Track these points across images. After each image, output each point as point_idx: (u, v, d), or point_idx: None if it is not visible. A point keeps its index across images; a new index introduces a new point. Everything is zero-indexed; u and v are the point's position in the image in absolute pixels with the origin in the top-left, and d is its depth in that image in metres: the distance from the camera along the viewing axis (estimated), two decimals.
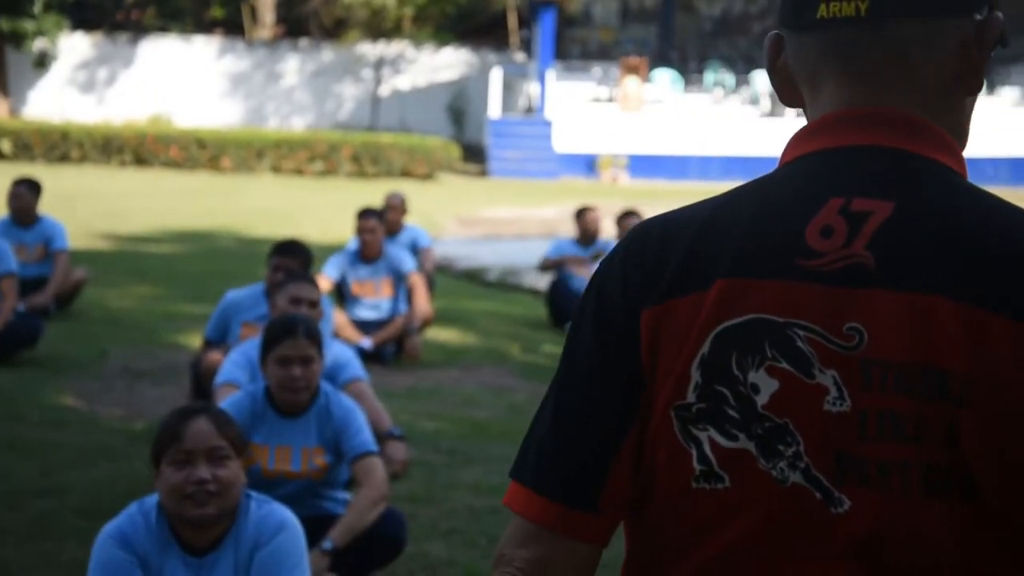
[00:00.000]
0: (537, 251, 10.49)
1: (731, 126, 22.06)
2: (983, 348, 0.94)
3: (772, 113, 22.22)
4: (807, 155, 1.07)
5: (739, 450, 1.01)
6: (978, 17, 1.04)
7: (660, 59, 24.94)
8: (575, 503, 1.05)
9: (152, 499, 2.86)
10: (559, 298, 8.80)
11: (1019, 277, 0.96)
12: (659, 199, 17.34)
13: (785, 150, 1.12)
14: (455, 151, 22.50)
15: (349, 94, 27.61)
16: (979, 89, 1.09)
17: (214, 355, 5.47)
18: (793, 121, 21.67)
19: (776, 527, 1.00)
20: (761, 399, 1.00)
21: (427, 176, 20.98)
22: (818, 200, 1.02)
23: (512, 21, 27.88)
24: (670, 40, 26.31)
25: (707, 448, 1.02)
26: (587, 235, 9.09)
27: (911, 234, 0.99)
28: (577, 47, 27.34)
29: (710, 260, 1.02)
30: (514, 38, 28.08)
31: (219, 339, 5.86)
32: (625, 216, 8.33)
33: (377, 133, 23.23)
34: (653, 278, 1.04)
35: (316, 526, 3.62)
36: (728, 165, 21.74)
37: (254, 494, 2.97)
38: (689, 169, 21.77)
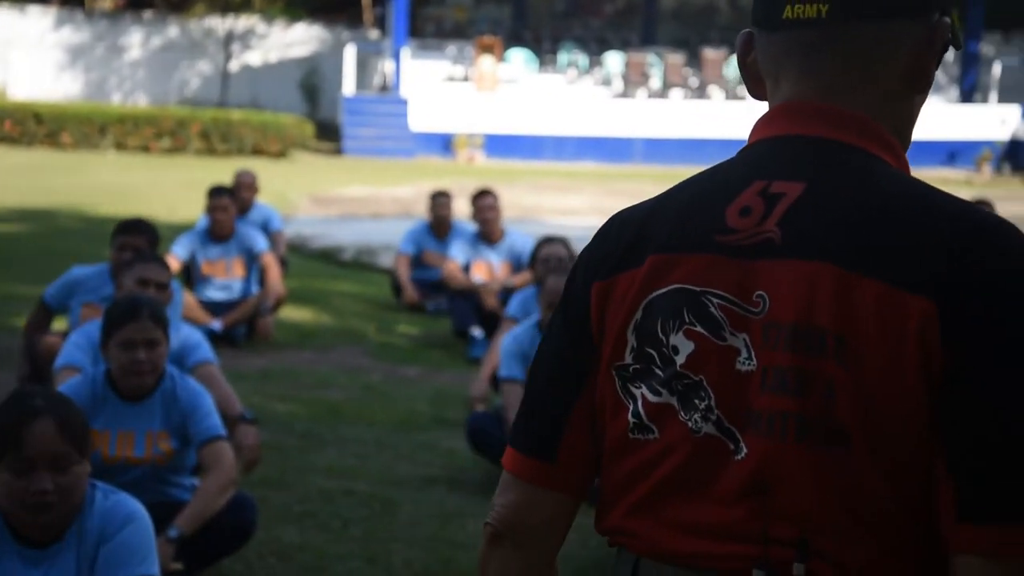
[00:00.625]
0: (393, 231, 10.52)
1: (585, 106, 22.68)
2: (853, 308, 1.04)
3: (624, 94, 23.11)
4: (756, 143, 1.19)
5: (664, 404, 1.13)
6: (930, 21, 1.13)
7: (514, 39, 25.22)
8: (536, 454, 1.21)
9: None
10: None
11: (895, 240, 1.05)
12: (515, 178, 17.84)
13: (754, 129, 1.23)
14: (308, 129, 22.50)
15: (197, 70, 27.13)
16: (928, 88, 1.17)
17: (52, 338, 5.29)
18: (644, 103, 22.60)
19: (691, 472, 1.12)
20: (680, 359, 1.13)
21: (280, 154, 20.83)
22: (744, 183, 1.13)
23: (367, 2, 27.71)
24: (524, 20, 26.68)
25: (639, 403, 1.15)
26: (439, 221, 9.13)
27: (815, 211, 1.08)
28: (432, 25, 27.42)
29: (650, 240, 1.15)
30: (368, 15, 28.00)
31: (56, 307, 5.70)
32: (480, 196, 8.50)
33: (227, 110, 22.88)
34: (606, 257, 1.18)
35: (162, 513, 3.50)
36: (582, 145, 22.51)
37: (100, 484, 2.87)
38: (544, 149, 22.27)
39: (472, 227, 8.75)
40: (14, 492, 2.59)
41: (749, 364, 1.11)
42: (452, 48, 25.35)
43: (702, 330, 1.12)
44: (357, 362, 7.60)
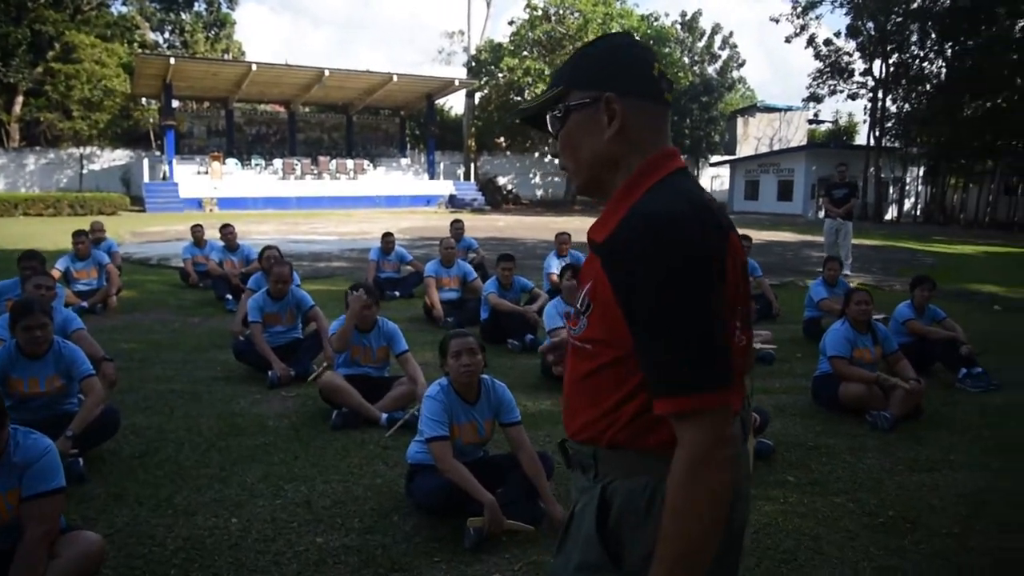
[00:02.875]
0: (179, 248, 10.69)
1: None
2: (743, 251, 1.27)
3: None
4: (682, 168, 1.26)
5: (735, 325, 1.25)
6: None
7: (228, 153, 30.75)
8: (729, 384, 1.11)
9: None
10: None
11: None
12: (238, 219, 17.82)
13: (669, 161, 1.26)
14: (127, 200, 26.56)
15: (67, 172, 30.48)
16: None
17: None
18: None
19: (741, 354, 1.28)
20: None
21: (113, 213, 24.22)
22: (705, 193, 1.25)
23: (152, 137, 33.05)
24: (233, 143, 31.49)
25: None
26: (198, 238, 9.55)
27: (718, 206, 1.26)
28: (187, 147, 31.33)
29: (721, 224, 1.19)
30: (156, 142, 32.59)
31: None
32: (225, 226, 9.03)
33: (86, 192, 26.93)
34: (720, 237, 1.17)
35: (60, 421, 3.68)
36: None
37: (20, 428, 2.60)
38: (258, 204, 27.35)
39: (221, 243, 9.18)
40: None
41: (741, 290, 1.26)
42: (199, 158, 30.18)
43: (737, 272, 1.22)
44: (166, 317, 7.89)
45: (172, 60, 27.13)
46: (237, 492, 3.72)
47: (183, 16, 37.76)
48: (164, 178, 28.71)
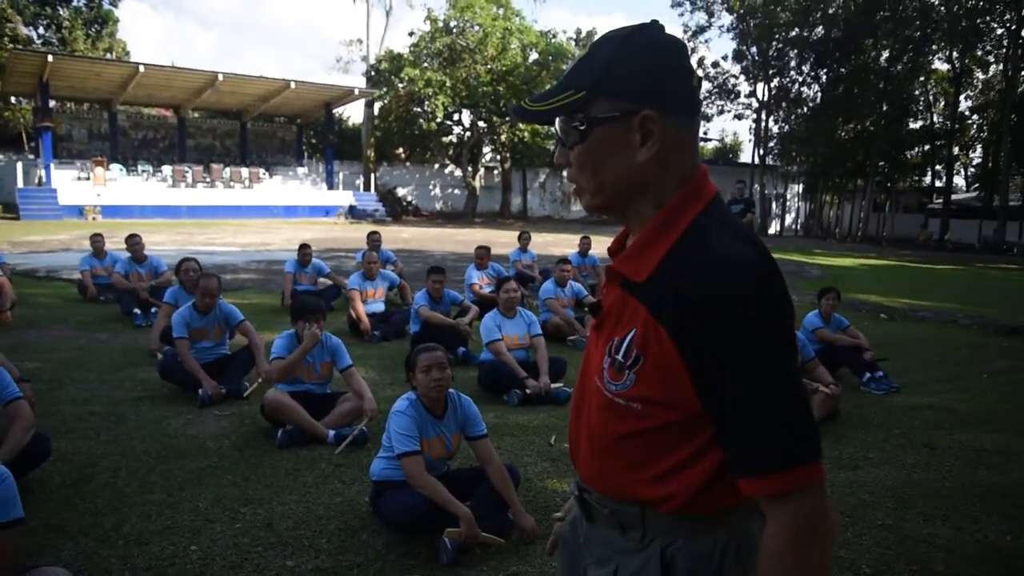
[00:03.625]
0: (72, 258, 10.91)
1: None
2: None
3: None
4: (717, 194, 1.09)
5: None
6: None
7: (112, 159, 29.48)
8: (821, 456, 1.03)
9: None
10: None
11: None
12: (127, 228, 14.65)
13: (706, 184, 1.08)
14: None
15: None
16: None
17: None
18: None
19: None
20: None
21: None
22: None
23: (25, 139, 31.50)
24: (117, 147, 30.49)
25: None
26: (98, 250, 9.01)
27: None
28: (65, 151, 29.94)
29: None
30: (28, 147, 31.41)
31: None
32: (129, 236, 8.51)
33: None
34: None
35: None
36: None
37: None
38: (146, 212, 26.33)
39: (126, 255, 8.67)
40: None
41: None
42: (79, 163, 28.79)
43: None
44: (68, 334, 7.37)
45: (50, 57, 25.80)
46: (190, 518, 3.57)
47: (60, 11, 35.65)
48: (40, 183, 27.23)
